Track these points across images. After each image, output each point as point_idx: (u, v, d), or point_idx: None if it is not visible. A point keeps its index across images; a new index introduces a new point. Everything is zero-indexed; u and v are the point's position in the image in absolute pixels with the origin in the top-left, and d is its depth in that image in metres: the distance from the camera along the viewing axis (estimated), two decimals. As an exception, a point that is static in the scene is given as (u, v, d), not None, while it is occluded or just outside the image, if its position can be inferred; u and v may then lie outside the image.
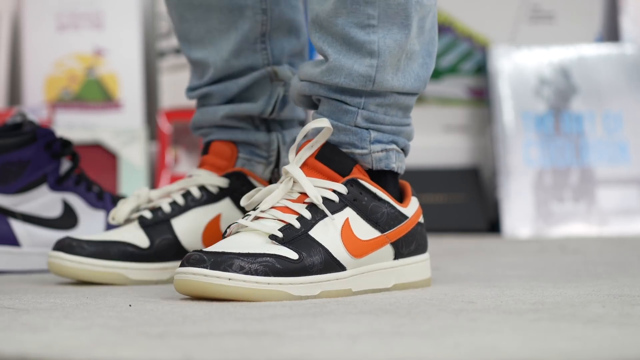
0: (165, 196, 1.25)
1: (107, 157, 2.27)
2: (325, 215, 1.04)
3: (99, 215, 1.39)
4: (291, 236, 1.02)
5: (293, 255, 1.01)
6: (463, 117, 2.39)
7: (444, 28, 2.38)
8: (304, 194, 1.06)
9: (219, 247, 1.01)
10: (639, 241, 1.96)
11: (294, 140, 1.27)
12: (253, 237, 1.02)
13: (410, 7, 1.07)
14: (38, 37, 2.34)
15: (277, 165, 1.28)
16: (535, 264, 1.48)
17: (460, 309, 0.92)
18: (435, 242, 1.27)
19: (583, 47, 2.31)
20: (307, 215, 1.04)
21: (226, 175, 1.24)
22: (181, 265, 0.99)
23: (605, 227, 2.19)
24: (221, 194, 1.24)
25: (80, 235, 1.21)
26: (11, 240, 1.34)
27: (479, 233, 2.23)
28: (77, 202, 1.38)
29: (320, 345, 0.72)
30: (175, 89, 2.34)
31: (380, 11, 1.06)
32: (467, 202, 2.29)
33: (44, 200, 1.36)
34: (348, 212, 1.06)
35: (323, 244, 1.03)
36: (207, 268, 0.98)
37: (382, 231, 1.08)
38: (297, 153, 1.09)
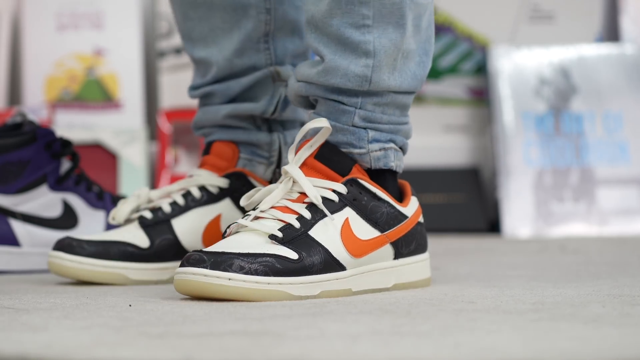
0: (165, 196, 1.25)
1: (107, 157, 2.27)
2: (325, 215, 1.04)
3: (99, 215, 1.39)
4: (291, 236, 1.02)
5: (293, 255, 1.01)
6: (463, 117, 2.39)
7: (444, 28, 2.38)
8: (304, 194, 1.06)
9: (218, 247, 1.01)
10: (639, 241, 1.96)
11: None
12: (253, 237, 1.02)
13: (405, 6, 1.07)
14: (38, 37, 2.34)
15: (279, 165, 1.28)
16: (535, 264, 1.48)
17: (460, 309, 0.92)
18: (435, 242, 1.27)
19: (583, 47, 2.31)
20: (307, 215, 1.04)
21: (226, 176, 1.24)
22: (181, 266, 0.99)
23: (605, 227, 2.19)
24: (221, 194, 1.24)
25: (80, 235, 1.21)
26: (11, 240, 1.34)
27: (479, 233, 2.23)
28: (77, 202, 1.38)
29: (320, 345, 0.72)
30: (175, 89, 2.34)
31: (375, 11, 1.06)
32: (467, 202, 2.29)
33: (44, 200, 1.36)
34: (348, 212, 1.06)
35: (323, 243, 1.03)
36: (207, 268, 0.98)
37: (381, 231, 1.08)
38: (296, 153, 1.09)
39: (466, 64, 2.38)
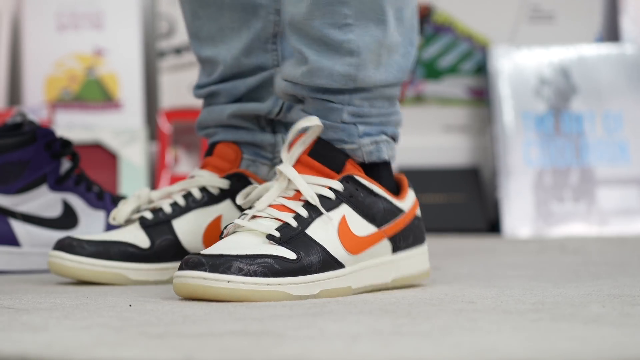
0: (166, 197, 1.25)
1: (107, 157, 2.27)
2: (322, 213, 1.04)
3: (99, 216, 1.39)
4: (288, 235, 1.02)
5: (291, 255, 1.01)
6: (463, 117, 2.39)
7: (444, 28, 2.38)
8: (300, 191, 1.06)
9: (217, 249, 1.01)
10: (639, 241, 1.96)
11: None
12: (250, 237, 1.02)
13: (384, 1, 1.06)
14: (38, 37, 2.34)
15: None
16: (535, 264, 1.48)
17: (460, 309, 0.92)
18: (435, 242, 1.27)
19: (583, 47, 2.31)
20: (304, 213, 1.04)
21: (227, 177, 1.24)
22: (180, 269, 0.99)
23: (605, 227, 2.19)
24: (222, 196, 1.24)
25: (80, 235, 1.21)
26: (11, 240, 1.34)
27: (479, 233, 2.23)
28: (77, 202, 1.38)
29: (320, 345, 0.72)
30: (175, 89, 2.34)
31: (355, 10, 1.05)
32: (467, 202, 2.29)
33: (44, 200, 1.36)
34: (344, 209, 1.06)
35: (320, 242, 1.03)
36: (205, 271, 0.98)
37: (379, 226, 1.08)
38: (288, 151, 1.08)
39: (466, 64, 2.38)
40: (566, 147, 2.25)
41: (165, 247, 1.21)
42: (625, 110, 2.27)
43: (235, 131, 1.27)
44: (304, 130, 1.08)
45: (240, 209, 1.23)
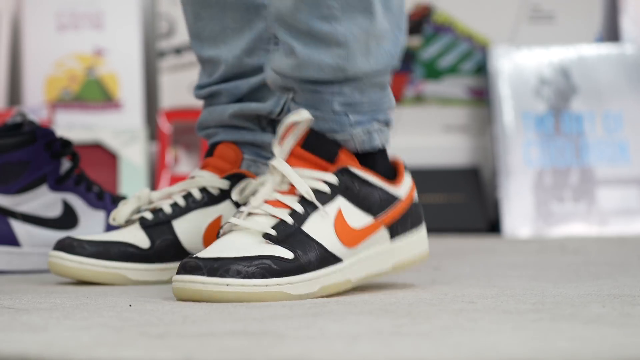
0: (166, 197, 1.25)
1: (107, 157, 2.27)
2: (317, 208, 1.04)
3: (99, 216, 1.39)
4: (285, 233, 1.01)
5: (288, 254, 1.00)
6: (463, 117, 2.39)
7: (444, 28, 2.38)
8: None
9: (213, 251, 1.00)
10: (639, 241, 1.96)
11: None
12: (247, 237, 1.02)
13: None
14: (38, 37, 2.34)
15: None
16: (535, 264, 1.48)
17: (460, 309, 0.91)
18: (435, 242, 1.26)
19: (583, 47, 2.31)
20: (300, 209, 1.03)
21: (227, 177, 1.24)
22: (178, 273, 0.99)
23: (605, 227, 2.19)
24: (222, 196, 1.23)
25: (80, 236, 1.21)
26: (11, 240, 1.34)
27: (479, 233, 2.23)
28: (77, 202, 1.38)
29: (320, 345, 0.72)
30: (175, 89, 2.34)
31: (341, 1, 1.05)
32: (467, 202, 2.29)
33: (44, 200, 1.36)
34: (340, 202, 1.05)
35: (317, 239, 1.02)
36: (204, 275, 0.97)
37: (375, 216, 1.07)
38: (280, 145, 1.07)
39: (466, 64, 2.38)
40: (566, 147, 2.25)
41: (165, 248, 1.21)
42: (625, 110, 2.27)
43: (236, 131, 1.27)
44: (295, 123, 1.07)
45: (241, 209, 1.23)
